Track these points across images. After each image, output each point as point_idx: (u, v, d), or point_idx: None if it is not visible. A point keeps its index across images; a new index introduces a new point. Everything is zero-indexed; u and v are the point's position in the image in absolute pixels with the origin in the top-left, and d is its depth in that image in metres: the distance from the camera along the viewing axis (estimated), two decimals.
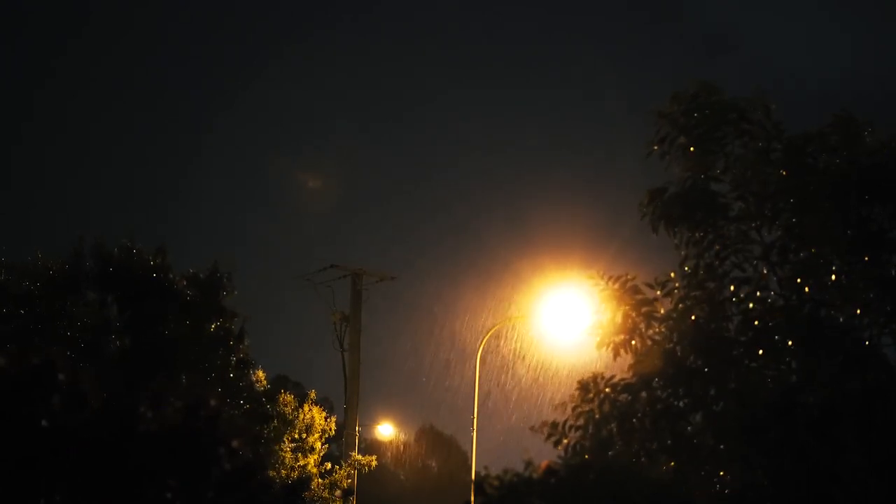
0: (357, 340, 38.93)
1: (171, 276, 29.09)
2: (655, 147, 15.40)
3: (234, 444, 10.72)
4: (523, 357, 42.90)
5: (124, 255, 28.89)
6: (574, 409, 14.66)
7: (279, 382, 41.63)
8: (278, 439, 32.69)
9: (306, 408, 33.92)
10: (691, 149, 15.22)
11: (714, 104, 15.23)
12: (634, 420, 14.43)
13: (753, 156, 15.12)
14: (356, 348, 38.87)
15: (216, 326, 29.36)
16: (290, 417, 33.40)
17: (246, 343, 30.11)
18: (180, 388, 26.02)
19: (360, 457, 36.72)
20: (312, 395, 35.00)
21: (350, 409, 38.39)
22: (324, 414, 34.71)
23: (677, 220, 15.08)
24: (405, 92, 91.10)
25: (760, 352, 14.51)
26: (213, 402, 10.85)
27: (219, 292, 29.61)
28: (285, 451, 32.92)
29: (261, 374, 31.80)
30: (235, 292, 29.83)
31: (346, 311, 39.14)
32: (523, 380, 43.63)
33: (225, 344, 29.46)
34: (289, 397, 33.69)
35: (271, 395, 32.38)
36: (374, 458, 37.44)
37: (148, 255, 29.00)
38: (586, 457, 14.20)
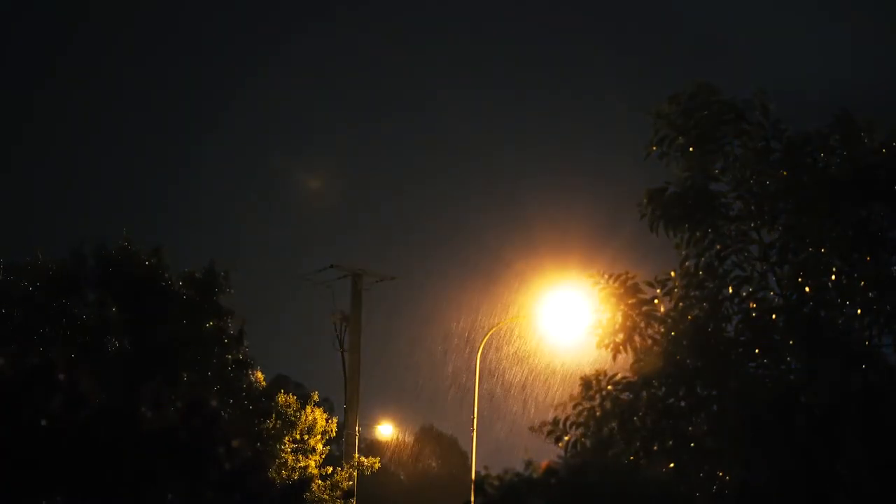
0: (357, 340, 38.94)
1: (167, 276, 29.05)
2: (654, 148, 15.41)
3: (234, 444, 10.72)
4: (524, 357, 42.94)
5: (123, 256, 28.86)
6: (575, 406, 14.66)
7: (279, 382, 41.59)
8: (279, 439, 32.64)
9: (308, 409, 33.88)
10: (690, 149, 15.23)
11: (713, 104, 15.23)
12: (636, 419, 14.43)
13: (753, 156, 15.13)
14: (356, 348, 38.88)
15: (214, 326, 29.29)
16: (293, 419, 33.37)
17: (245, 343, 30.06)
18: (180, 388, 26.09)
19: (363, 458, 36.65)
20: (315, 396, 34.99)
21: (350, 410, 38.36)
22: (326, 416, 34.67)
23: (677, 220, 15.08)
24: (405, 92, 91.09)
25: (759, 351, 14.51)
26: (212, 402, 10.86)
27: (215, 292, 29.54)
28: (286, 452, 32.88)
29: (259, 374, 31.76)
30: (231, 291, 29.72)
31: (346, 311, 39.17)
32: (524, 379, 43.65)
33: (223, 343, 29.39)
34: (291, 398, 33.66)
35: (269, 393, 32.28)
36: (377, 459, 37.40)
37: (145, 256, 28.96)
38: (587, 454, 14.21)
